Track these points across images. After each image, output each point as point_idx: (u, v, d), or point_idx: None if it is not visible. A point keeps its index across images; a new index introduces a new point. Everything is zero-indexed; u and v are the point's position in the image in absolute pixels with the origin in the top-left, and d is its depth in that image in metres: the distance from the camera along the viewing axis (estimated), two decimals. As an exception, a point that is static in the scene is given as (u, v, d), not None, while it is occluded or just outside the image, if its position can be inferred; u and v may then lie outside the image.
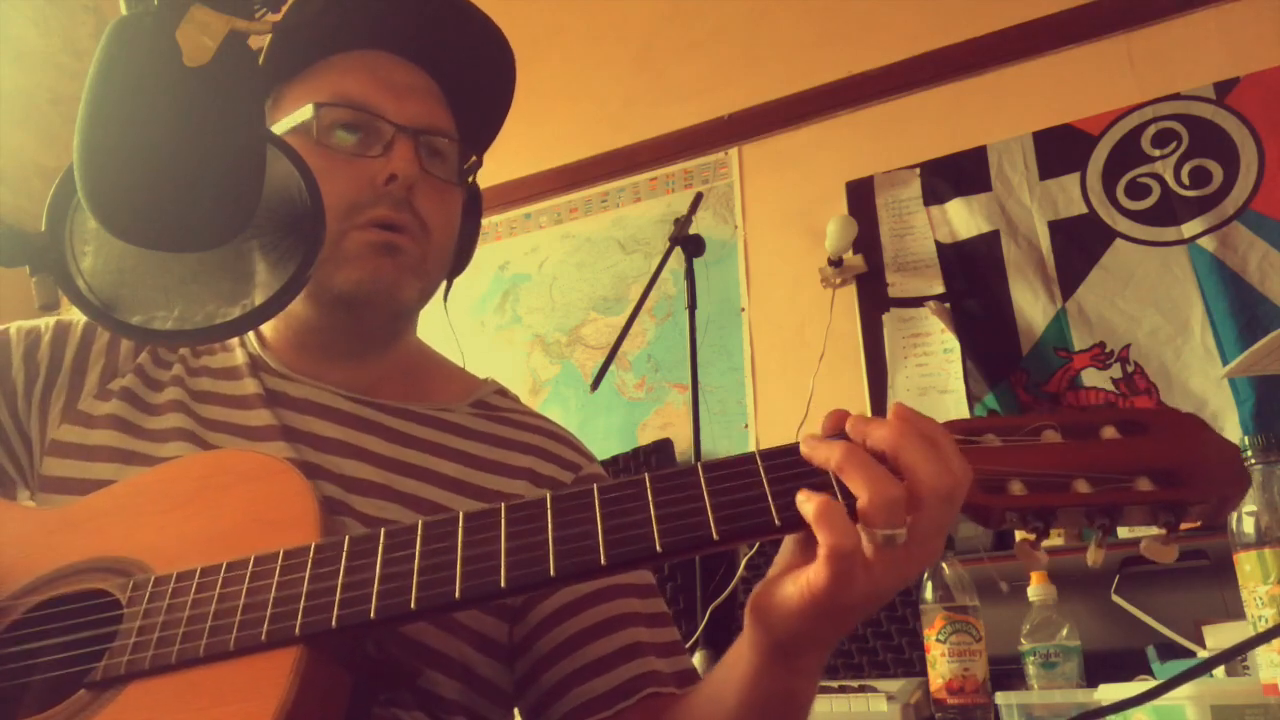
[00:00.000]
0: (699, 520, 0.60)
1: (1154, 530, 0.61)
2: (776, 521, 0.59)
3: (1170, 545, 0.60)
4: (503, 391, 0.99)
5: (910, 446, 0.57)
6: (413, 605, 0.62)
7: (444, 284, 0.99)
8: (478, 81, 0.95)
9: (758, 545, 2.05)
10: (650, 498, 0.62)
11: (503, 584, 0.61)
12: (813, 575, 0.57)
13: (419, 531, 0.65)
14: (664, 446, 2.53)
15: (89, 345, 0.91)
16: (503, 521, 0.64)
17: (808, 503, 0.57)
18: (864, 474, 0.56)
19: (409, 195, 0.86)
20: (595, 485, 0.64)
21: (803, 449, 0.61)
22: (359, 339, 0.91)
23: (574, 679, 0.81)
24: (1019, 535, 0.62)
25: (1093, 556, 0.61)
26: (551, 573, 0.61)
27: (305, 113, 0.86)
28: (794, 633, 0.61)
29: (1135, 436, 0.61)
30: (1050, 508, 0.60)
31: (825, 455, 0.59)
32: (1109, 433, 0.62)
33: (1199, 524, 0.60)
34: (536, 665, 0.82)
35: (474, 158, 0.96)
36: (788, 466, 0.61)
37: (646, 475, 0.63)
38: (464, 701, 0.80)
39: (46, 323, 0.91)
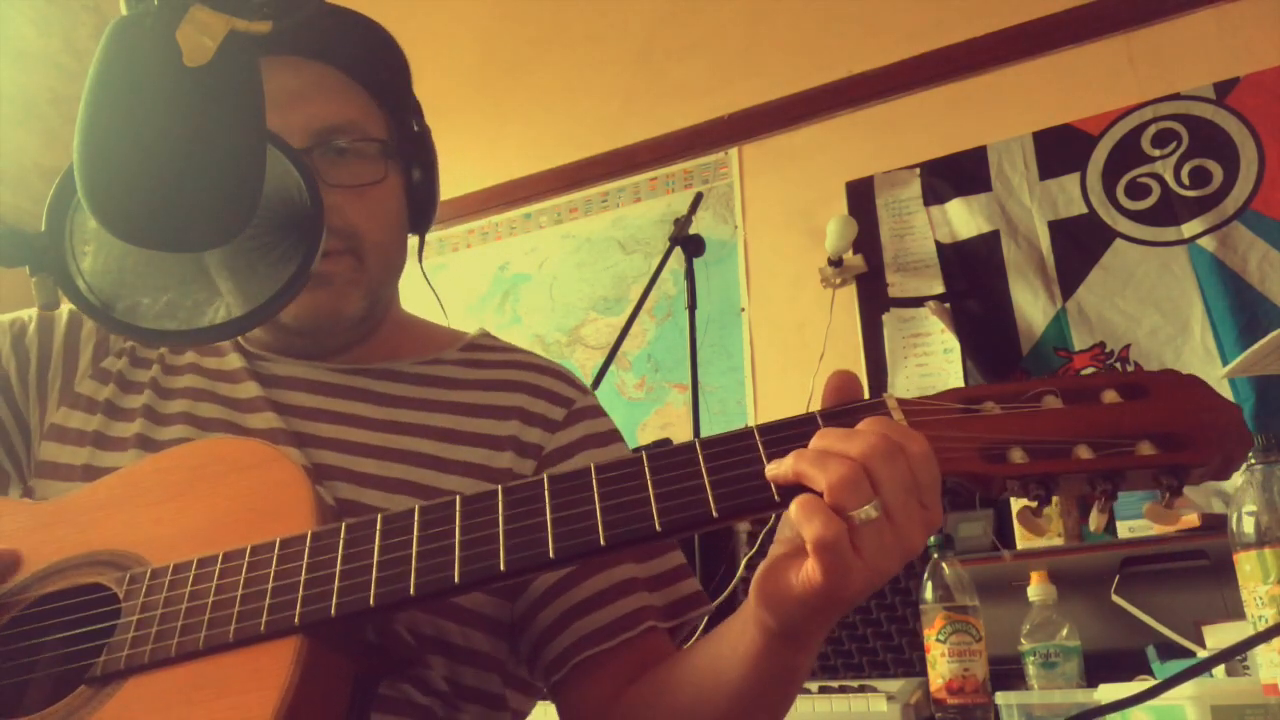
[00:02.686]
0: (699, 498, 0.60)
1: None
2: (776, 497, 0.59)
3: (1173, 509, 0.59)
4: (490, 336, 0.99)
5: (834, 433, 0.58)
6: (412, 591, 0.62)
7: (419, 244, 0.99)
8: (357, 38, 0.88)
9: (758, 544, 2.05)
10: (648, 476, 0.62)
11: (502, 567, 0.61)
12: (810, 569, 0.58)
13: (416, 517, 0.65)
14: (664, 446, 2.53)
15: (78, 327, 0.91)
16: (500, 504, 0.64)
17: (793, 504, 0.57)
18: (815, 465, 0.57)
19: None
20: (593, 465, 0.64)
21: (769, 477, 0.60)
22: (337, 343, 0.91)
23: (572, 614, 0.82)
24: (1020, 503, 0.61)
25: (1095, 522, 0.61)
26: (551, 555, 0.61)
27: None
28: (798, 618, 0.61)
29: (1136, 400, 0.60)
30: (1052, 475, 0.59)
31: (780, 472, 0.59)
32: (1110, 397, 0.61)
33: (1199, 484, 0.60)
34: (533, 605, 0.83)
35: (416, 124, 0.92)
36: (786, 440, 0.60)
37: (644, 453, 0.63)
38: (476, 647, 0.81)
39: (30, 313, 0.91)
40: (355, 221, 0.86)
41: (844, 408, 0.63)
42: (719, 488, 0.60)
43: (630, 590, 0.83)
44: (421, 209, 0.95)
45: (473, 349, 0.96)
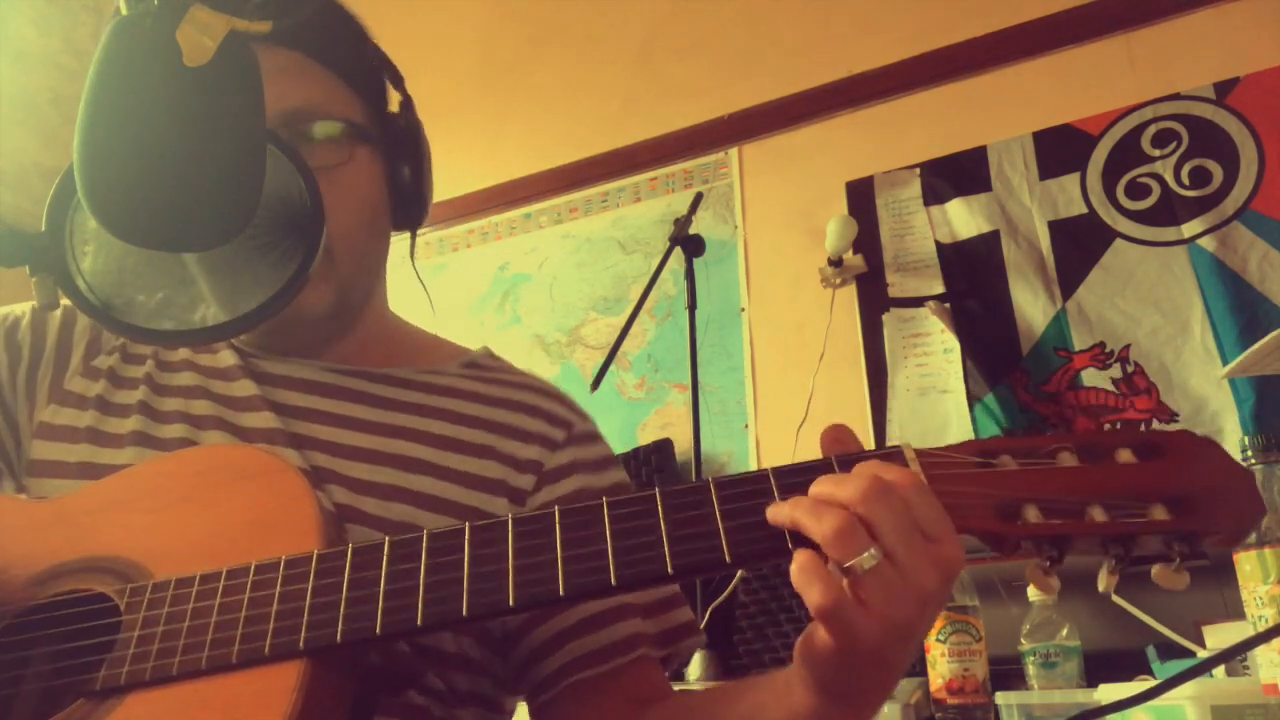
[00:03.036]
0: (712, 544, 0.59)
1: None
2: (790, 545, 0.58)
3: (1182, 573, 0.59)
4: (493, 355, 0.98)
5: (828, 479, 0.58)
6: (419, 621, 0.61)
7: (410, 241, 0.97)
8: (322, 22, 0.86)
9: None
10: (661, 515, 0.61)
11: (510, 602, 0.60)
12: (823, 632, 0.57)
13: (424, 543, 0.64)
14: (664, 446, 2.53)
15: (71, 324, 0.90)
16: (510, 535, 0.63)
17: (792, 565, 0.56)
18: (809, 515, 0.56)
19: None
20: (605, 501, 0.63)
21: (769, 518, 0.60)
22: (310, 338, 0.89)
23: (565, 635, 0.81)
24: (1030, 562, 0.60)
25: (1104, 583, 0.60)
26: (560, 592, 0.60)
27: None
28: (833, 679, 0.60)
29: (1151, 461, 0.60)
30: (1066, 536, 0.59)
31: (778, 517, 0.59)
32: (1125, 456, 0.61)
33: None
34: (526, 622, 0.82)
35: (379, 113, 0.90)
36: (802, 486, 0.60)
37: (657, 490, 0.62)
38: (468, 654, 0.80)
39: (22, 308, 0.90)
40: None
41: (860, 456, 0.62)
42: (732, 534, 0.59)
43: (625, 615, 0.82)
44: (409, 203, 0.92)
45: (474, 367, 0.94)
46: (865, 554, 0.54)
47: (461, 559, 0.63)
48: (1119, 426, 2.09)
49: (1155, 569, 0.59)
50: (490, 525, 0.64)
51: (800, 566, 0.56)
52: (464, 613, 0.61)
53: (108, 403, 0.86)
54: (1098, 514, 0.58)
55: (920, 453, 0.62)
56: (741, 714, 0.71)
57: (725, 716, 0.73)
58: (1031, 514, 0.59)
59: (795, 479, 0.61)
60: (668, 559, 0.59)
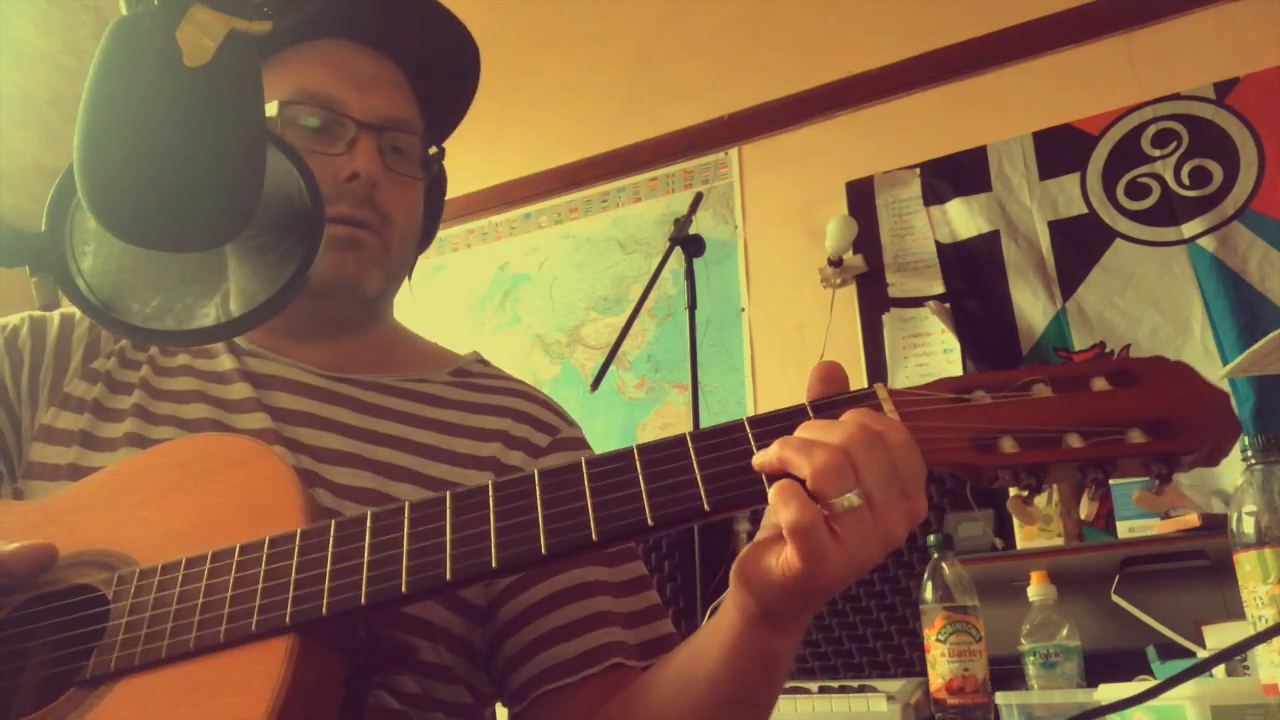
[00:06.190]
0: (690, 492, 0.60)
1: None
2: (768, 489, 0.59)
3: (1163, 495, 0.59)
4: (483, 361, 0.99)
5: (816, 423, 0.59)
6: (404, 589, 0.61)
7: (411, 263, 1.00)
8: (441, 70, 0.97)
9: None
10: (639, 470, 0.62)
11: (494, 564, 0.61)
12: (788, 554, 0.58)
13: (406, 513, 0.65)
14: (664, 446, 2.53)
15: (70, 329, 0.91)
16: (491, 500, 0.63)
17: (769, 488, 0.58)
18: (798, 452, 0.57)
19: (371, 191, 0.86)
20: (583, 458, 0.64)
21: (754, 465, 0.61)
22: (327, 323, 0.91)
23: (537, 645, 0.81)
24: (1011, 491, 0.61)
25: (1085, 510, 0.61)
26: (543, 550, 0.60)
27: (270, 109, 0.85)
28: (778, 602, 0.61)
29: (1126, 387, 0.61)
30: (1043, 464, 0.59)
31: (765, 459, 0.59)
32: (1099, 384, 0.61)
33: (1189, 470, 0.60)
34: (502, 630, 0.82)
35: (436, 147, 0.97)
36: (777, 432, 0.60)
37: (635, 447, 0.63)
38: (446, 664, 0.80)
39: (21, 316, 0.92)
40: (393, 208, 0.89)
41: (834, 399, 0.63)
42: (710, 481, 0.60)
43: (602, 624, 0.82)
44: (427, 229, 0.99)
45: (461, 374, 0.95)
46: (850, 494, 0.55)
47: (444, 525, 0.63)
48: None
49: (1137, 493, 0.60)
50: (471, 491, 0.64)
51: (780, 488, 0.57)
52: (448, 577, 0.61)
53: (102, 407, 0.87)
54: (1074, 441, 0.59)
55: (894, 393, 0.62)
56: (681, 662, 0.72)
57: (668, 672, 0.74)
58: (1007, 445, 0.59)
59: (770, 426, 0.62)
60: (647, 511, 0.60)
